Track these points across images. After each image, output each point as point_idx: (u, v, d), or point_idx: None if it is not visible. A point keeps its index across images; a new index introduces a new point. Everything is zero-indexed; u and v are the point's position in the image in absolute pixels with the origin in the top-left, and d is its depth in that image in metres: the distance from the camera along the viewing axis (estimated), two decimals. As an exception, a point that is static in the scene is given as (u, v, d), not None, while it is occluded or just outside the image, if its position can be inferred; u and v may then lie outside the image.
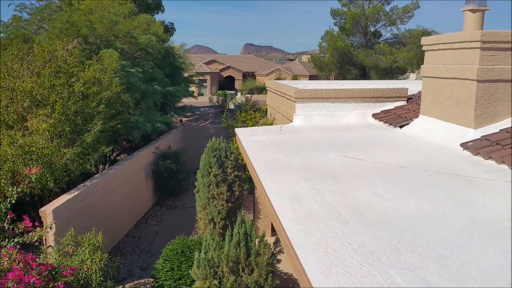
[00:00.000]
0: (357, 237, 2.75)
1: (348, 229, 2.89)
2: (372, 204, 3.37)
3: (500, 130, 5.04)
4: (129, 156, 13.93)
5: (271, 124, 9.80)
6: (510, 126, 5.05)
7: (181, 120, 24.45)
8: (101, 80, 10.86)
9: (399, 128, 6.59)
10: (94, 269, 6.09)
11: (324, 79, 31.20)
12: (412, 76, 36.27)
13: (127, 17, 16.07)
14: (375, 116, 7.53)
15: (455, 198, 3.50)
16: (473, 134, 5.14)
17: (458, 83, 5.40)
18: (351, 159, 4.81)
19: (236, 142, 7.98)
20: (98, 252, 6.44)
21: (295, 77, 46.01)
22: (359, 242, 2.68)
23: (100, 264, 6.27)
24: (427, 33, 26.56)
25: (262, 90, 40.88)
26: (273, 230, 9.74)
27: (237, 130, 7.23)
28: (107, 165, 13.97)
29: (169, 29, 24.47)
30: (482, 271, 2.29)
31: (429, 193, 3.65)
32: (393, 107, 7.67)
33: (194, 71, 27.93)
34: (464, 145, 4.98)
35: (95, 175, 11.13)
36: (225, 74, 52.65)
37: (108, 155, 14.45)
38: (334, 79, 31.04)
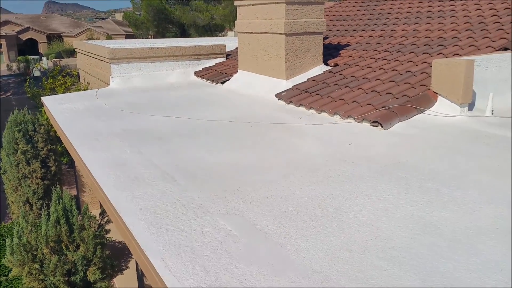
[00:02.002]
0: (186, 194, 2.71)
1: (176, 187, 2.83)
2: (199, 160, 3.37)
3: (307, 79, 5.60)
4: None
5: (85, 89, 8.91)
6: (315, 75, 5.65)
7: (-28, 93, 20.41)
8: None
9: (220, 84, 6.73)
10: None
11: (143, 38, 29.80)
12: (231, 33, 37.66)
13: None
14: (197, 74, 7.54)
15: (274, 144, 3.76)
16: (285, 84, 5.58)
17: (269, 37, 5.73)
18: (177, 119, 4.72)
19: (45, 112, 7.01)
20: None
21: (109, 37, 42.82)
22: (188, 198, 2.64)
23: None
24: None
25: (72, 53, 36.89)
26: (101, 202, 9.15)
27: (44, 98, 6.38)
28: None
29: None
30: (298, 204, 2.53)
31: (252, 142, 3.84)
32: (213, 64, 7.79)
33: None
34: (279, 96, 5.39)
35: None
36: (24, 37, 45.67)
37: None
38: (154, 38, 29.97)
